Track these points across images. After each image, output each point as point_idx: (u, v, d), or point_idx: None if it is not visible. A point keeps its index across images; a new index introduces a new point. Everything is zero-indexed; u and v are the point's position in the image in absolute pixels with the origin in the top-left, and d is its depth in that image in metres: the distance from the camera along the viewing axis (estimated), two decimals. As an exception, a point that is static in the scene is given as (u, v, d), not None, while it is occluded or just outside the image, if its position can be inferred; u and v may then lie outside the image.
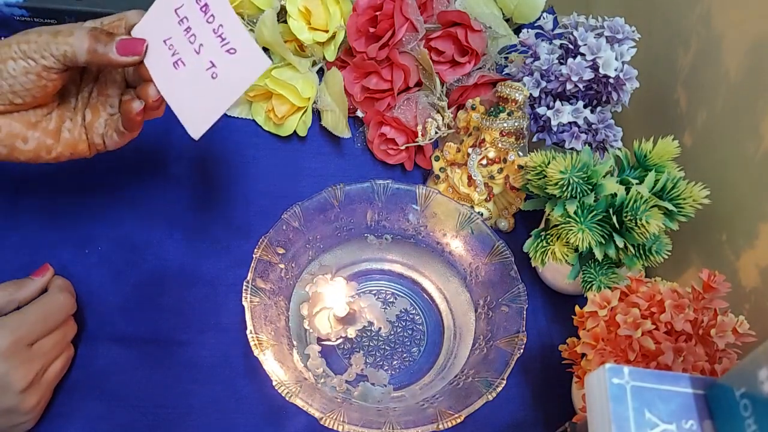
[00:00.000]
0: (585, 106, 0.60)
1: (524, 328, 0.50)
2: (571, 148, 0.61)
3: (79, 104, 0.49)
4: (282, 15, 0.67)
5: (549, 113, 0.60)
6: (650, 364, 0.42)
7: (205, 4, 0.43)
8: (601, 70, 0.57)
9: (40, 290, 0.50)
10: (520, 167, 0.60)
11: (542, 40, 0.63)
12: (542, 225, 0.58)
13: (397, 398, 0.52)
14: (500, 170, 0.62)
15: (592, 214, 0.52)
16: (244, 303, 0.49)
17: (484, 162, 0.62)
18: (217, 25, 0.43)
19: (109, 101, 0.49)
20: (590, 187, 0.52)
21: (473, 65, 0.65)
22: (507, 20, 0.74)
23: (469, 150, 0.63)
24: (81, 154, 0.50)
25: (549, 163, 0.53)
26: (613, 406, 0.34)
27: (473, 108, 0.63)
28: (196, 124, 0.45)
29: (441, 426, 0.44)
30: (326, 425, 0.44)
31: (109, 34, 0.45)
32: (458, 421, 0.45)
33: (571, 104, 0.60)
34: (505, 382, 0.47)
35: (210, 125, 0.45)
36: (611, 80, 0.58)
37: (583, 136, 0.61)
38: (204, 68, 0.44)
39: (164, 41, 0.45)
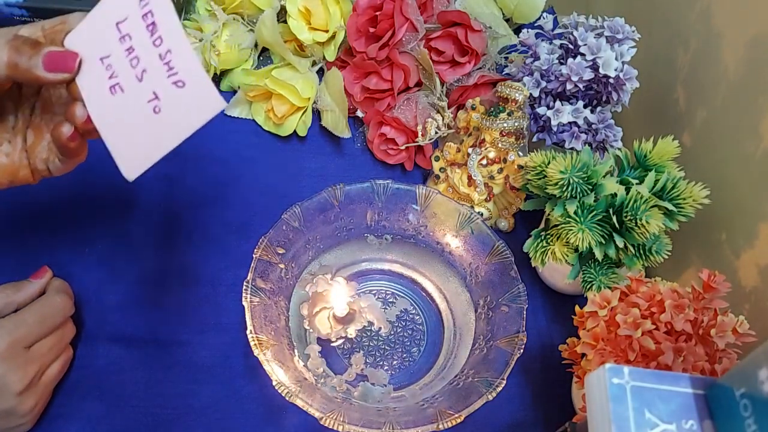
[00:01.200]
0: (585, 106, 0.60)
1: (524, 328, 0.50)
2: (571, 148, 0.61)
3: (19, 123, 0.42)
4: (282, 15, 0.67)
5: (549, 113, 0.60)
6: (650, 364, 0.42)
7: (153, 23, 0.36)
8: (601, 70, 0.57)
9: (38, 292, 0.50)
10: (520, 167, 0.60)
11: (542, 40, 0.63)
12: (542, 225, 0.58)
13: (397, 398, 0.52)
14: (500, 170, 0.62)
15: (592, 214, 0.52)
16: (244, 303, 0.49)
17: (484, 162, 0.62)
18: (165, 50, 0.36)
19: (55, 119, 0.42)
20: (590, 187, 0.52)
21: (473, 65, 0.65)
22: (507, 20, 0.74)
23: (469, 150, 0.63)
24: (23, 181, 0.42)
25: (549, 163, 0.53)
26: (613, 406, 0.34)
27: (473, 108, 0.63)
28: (130, 163, 0.38)
29: (441, 426, 0.44)
30: (326, 425, 0.44)
31: (35, 45, 0.37)
32: (458, 421, 0.45)
33: (571, 104, 0.60)
34: (505, 382, 0.47)
35: (146, 168, 0.37)
36: (611, 80, 0.58)
37: (583, 136, 0.61)
38: (145, 99, 0.37)
39: (101, 59, 0.37)
